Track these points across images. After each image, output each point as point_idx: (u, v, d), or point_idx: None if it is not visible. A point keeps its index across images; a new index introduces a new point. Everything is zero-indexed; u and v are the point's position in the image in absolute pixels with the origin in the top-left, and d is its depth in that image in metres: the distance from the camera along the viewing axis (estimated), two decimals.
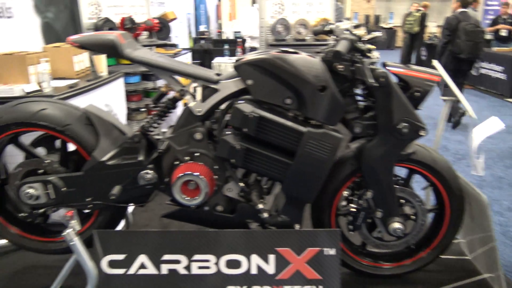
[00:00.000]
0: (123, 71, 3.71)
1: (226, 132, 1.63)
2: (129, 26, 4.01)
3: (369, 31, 1.60)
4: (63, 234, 1.64)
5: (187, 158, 1.69)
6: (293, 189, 1.65)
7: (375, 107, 1.63)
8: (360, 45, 1.51)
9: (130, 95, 4.29)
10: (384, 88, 1.58)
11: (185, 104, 1.72)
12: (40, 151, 1.83)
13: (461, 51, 4.81)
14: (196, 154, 1.68)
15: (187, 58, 5.72)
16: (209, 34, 9.57)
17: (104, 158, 1.66)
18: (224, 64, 6.90)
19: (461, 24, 4.83)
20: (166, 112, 1.76)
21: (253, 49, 5.60)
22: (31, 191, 1.66)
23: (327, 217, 1.82)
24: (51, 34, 3.58)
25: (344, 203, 1.89)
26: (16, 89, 2.60)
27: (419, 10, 9.31)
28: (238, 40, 7.44)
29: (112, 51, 1.62)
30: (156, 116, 1.76)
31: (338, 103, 1.58)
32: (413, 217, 1.80)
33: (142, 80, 4.49)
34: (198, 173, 1.61)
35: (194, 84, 1.68)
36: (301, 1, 4.40)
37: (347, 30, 1.53)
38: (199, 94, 1.68)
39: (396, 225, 1.73)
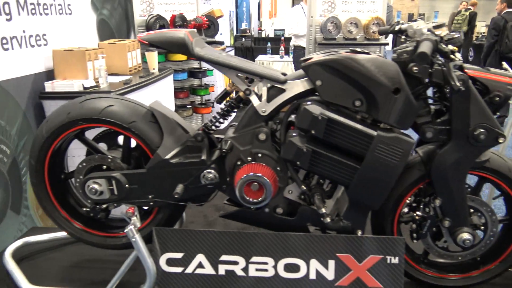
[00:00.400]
0: (173, 68, 3.75)
1: (293, 134, 1.59)
2: (180, 23, 4.05)
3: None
4: (125, 230, 1.66)
5: (249, 158, 1.66)
6: (359, 194, 1.60)
7: (450, 111, 1.55)
8: (443, 46, 1.43)
9: (177, 91, 4.35)
10: (462, 92, 1.50)
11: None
12: (102, 146, 1.86)
13: (509, 50, 4.88)
14: (259, 154, 1.66)
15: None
16: (250, 32, 9.58)
17: (168, 156, 1.66)
18: (266, 62, 6.88)
19: (509, 24, 4.93)
20: (230, 111, 1.74)
21: (297, 48, 5.54)
22: (96, 186, 1.68)
23: (390, 224, 1.75)
24: (106, 30, 3.66)
25: (406, 209, 1.82)
26: (76, 84, 2.67)
27: (468, 9, 8.96)
28: (281, 38, 7.40)
29: (182, 49, 1.61)
30: (219, 115, 1.74)
31: (412, 106, 1.52)
32: (482, 227, 1.71)
33: (189, 77, 4.53)
34: (261, 175, 1.58)
35: (260, 84, 1.65)
36: (353, 0, 4.30)
37: (429, 30, 1.46)
38: (264, 94, 1.65)
39: (465, 235, 1.64)
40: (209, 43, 4.53)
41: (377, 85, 1.50)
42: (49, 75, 2.82)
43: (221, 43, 4.78)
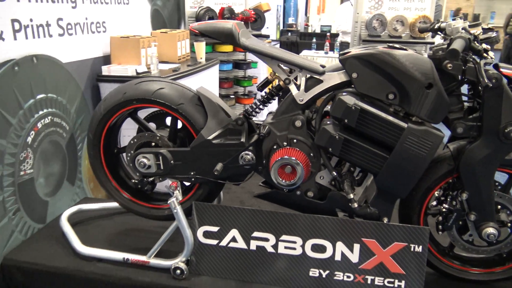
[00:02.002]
0: (219, 59, 3.91)
1: (327, 122, 1.70)
2: (228, 16, 4.20)
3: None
4: (168, 202, 1.83)
5: (285, 143, 1.78)
6: (386, 182, 1.68)
7: (482, 108, 1.60)
8: (476, 44, 1.49)
9: (221, 81, 4.51)
10: (495, 89, 1.55)
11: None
12: (152, 126, 2.04)
13: None
14: (294, 140, 1.77)
15: None
16: (296, 27, 9.64)
17: (210, 137, 1.81)
18: (311, 57, 6.93)
19: None
20: (270, 99, 1.87)
21: (344, 44, 5.58)
22: (144, 160, 1.86)
23: (417, 215, 1.82)
24: (158, 20, 3.87)
25: (434, 203, 1.88)
26: (130, 69, 2.88)
27: None
28: (327, 34, 7.42)
29: (229, 39, 1.75)
30: (260, 102, 1.87)
31: (443, 101, 1.58)
32: (509, 224, 1.74)
33: (234, 68, 4.69)
34: (295, 158, 1.70)
35: (299, 74, 1.76)
36: None
37: (464, 28, 1.52)
38: (302, 84, 1.76)
39: (490, 230, 1.69)
40: (255, 36, 4.68)
41: (410, 79, 1.57)
42: (106, 59, 3.05)
43: (267, 36, 4.89)
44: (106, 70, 2.90)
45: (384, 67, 1.60)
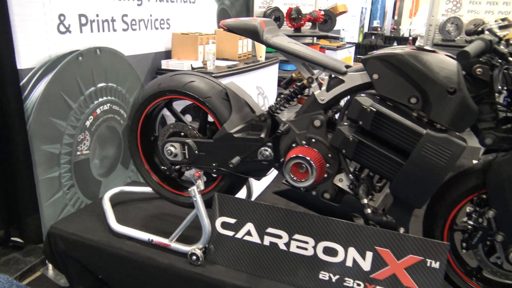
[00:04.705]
0: (280, 58, 3.95)
1: (344, 123, 1.66)
2: (295, 16, 4.23)
3: None
4: (189, 189, 1.91)
5: (304, 142, 1.78)
6: (401, 190, 1.60)
7: None
8: (501, 47, 1.36)
9: (282, 81, 4.54)
10: None
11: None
12: (187, 118, 2.14)
13: None
14: (313, 140, 1.76)
15: (350, 52, 5.72)
16: (382, 30, 9.32)
17: (232, 131, 1.86)
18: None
19: None
20: (294, 97, 1.87)
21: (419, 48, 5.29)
22: (172, 149, 1.97)
23: (440, 229, 1.71)
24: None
25: (465, 219, 1.74)
26: (186, 64, 3.03)
27: None
28: (409, 38, 7.09)
29: (254, 35, 1.79)
30: (284, 100, 1.88)
31: (468, 108, 1.47)
32: None
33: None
34: (309, 158, 1.69)
35: (323, 73, 1.75)
36: (482, 0, 3.98)
37: (489, 30, 1.39)
38: (325, 83, 1.74)
39: None
40: (322, 37, 4.64)
41: (432, 83, 1.48)
42: (168, 54, 3.25)
43: (336, 38, 4.82)
44: (165, 64, 3.09)
45: (405, 69, 1.52)
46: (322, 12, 4.49)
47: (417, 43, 5.54)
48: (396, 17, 11.38)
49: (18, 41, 2.15)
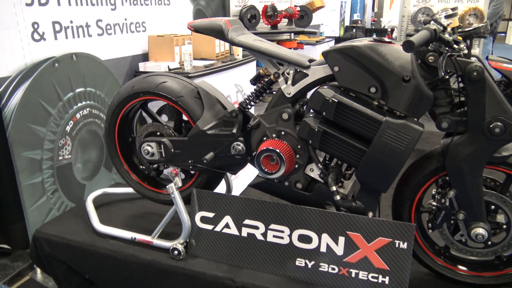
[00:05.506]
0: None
1: (309, 115, 1.73)
2: (271, 13, 4.29)
3: None
4: (167, 187, 1.97)
5: (274, 135, 1.85)
6: (366, 176, 1.68)
7: (466, 102, 1.54)
8: (446, 36, 1.44)
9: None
10: (477, 83, 1.48)
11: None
12: (164, 118, 2.20)
13: None
14: (282, 132, 1.83)
15: (329, 46, 5.79)
16: (362, 23, 9.43)
17: (205, 128, 1.92)
18: None
19: None
20: (263, 92, 1.94)
21: (376, 40, 5.38)
22: (148, 148, 2.02)
23: (407, 212, 1.79)
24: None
25: (431, 201, 1.83)
26: (163, 66, 3.09)
27: None
28: (388, 30, 7.21)
29: (219, 34, 1.86)
30: (253, 95, 1.95)
31: (423, 95, 1.55)
32: (504, 226, 1.65)
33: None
34: (278, 150, 1.76)
35: (288, 68, 1.82)
36: None
37: (434, 19, 1.47)
38: (290, 78, 1.81)
39: (479, 230, 1.62)
40: (299, 32, 4.72)
41: (387, 72, 1.56)
42: (145, 57, 3.30)
43: (313, 33, 4.89)
44: (142, 66, 3.14)
45: (363, 60, 1.60)
46: (298, 8, 4.56)
47: (393, 34, 5.64)
48: (376, 10, 11.50)
49: None
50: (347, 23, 10.04)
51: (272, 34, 4.35)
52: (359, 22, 9.45)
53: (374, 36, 5.87)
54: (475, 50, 4.00)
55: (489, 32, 5.11)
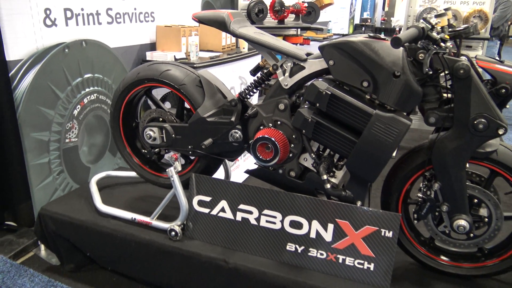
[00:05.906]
0: None
1: (304, 106, 1.81)
2: (278, 8, 4.35)
3: None
4: (167, 170, 2.07)
5: (270, 124, 1.93)
6: (355, 166, 1.76)
7: (453, 99, 1.61)
8: (433, 34, 1.51)
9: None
10: (463, 80, 1.55)
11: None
12: (167, 104, 2.29)
13: None
14: (278, 122, 1.91)
15: None
16: (372, 22, 9.43)
17: (205, 115, 2.01)
18: None
19: None
20: (261, 83, 2.02)
21: (371, 36, 5.42)
22: (151, 133, 2.12)
23: (394, 202, 1.87)
24: None
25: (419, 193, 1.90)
26: (169, 55, 3.17)
27: None
28: (396, 29, 7.22)
29: (222, 26, 1.94)
30: (252, 86, 2.03)
31: (412, 90, 1.62)
32: (486, 219, 1.72)
33: None
34: (273, 138, 1.84)
35: (286, 60, 1.89)
36: None
37: (424, 18, 1.54)
38: (288, 70, 1.89)
39: (460, 222, 1.69)
40: (304, 28, 4.78)
41: (379, 67, 1.63)
42: (153, 46, 3.38)
43: (319, 29, 4.94)
44: (149, 55, 3.23)
45: (356, 55, 1.67)
46: (305, 4, 4.61)
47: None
48: (387, 9, 11.48)
49: (6, 34, 2.29)
50: (357, 21, 10.04)
51: (278, 29, 4.41)
52: (369, 20, 9.45)
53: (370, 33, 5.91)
54: (478, 52, 4.04)
55: (495, 35, 5.15)
